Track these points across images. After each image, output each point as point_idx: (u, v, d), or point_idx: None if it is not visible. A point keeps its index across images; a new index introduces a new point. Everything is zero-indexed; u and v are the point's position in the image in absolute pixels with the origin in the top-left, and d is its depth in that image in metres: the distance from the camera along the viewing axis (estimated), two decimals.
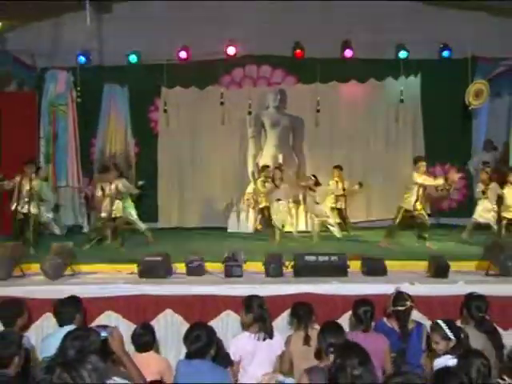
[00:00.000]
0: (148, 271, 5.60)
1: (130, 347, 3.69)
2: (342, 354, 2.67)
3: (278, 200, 8.56)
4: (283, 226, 8.63)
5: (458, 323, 4.08)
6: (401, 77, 10.60)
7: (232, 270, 5.65)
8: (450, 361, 3.14)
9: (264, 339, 3.91)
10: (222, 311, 5.09)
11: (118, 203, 8.06)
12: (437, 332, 3.57)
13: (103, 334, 3.02)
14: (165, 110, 10.59)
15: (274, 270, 5.63)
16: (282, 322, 4.89)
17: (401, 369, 3.74)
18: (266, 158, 10.72)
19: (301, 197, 9.39)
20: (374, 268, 5.73)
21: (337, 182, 9.47)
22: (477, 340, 3.62)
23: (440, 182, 7.81)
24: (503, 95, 10.62)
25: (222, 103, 10.36)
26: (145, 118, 11.09)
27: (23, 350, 3.19)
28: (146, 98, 10.97)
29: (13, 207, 7.84)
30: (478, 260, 6.08)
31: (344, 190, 9.46)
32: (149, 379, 3.37)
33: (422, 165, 7.75)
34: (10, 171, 7.97)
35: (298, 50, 10.29)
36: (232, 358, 3.90)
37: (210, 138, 11.02)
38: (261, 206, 9.34)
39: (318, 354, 3.39)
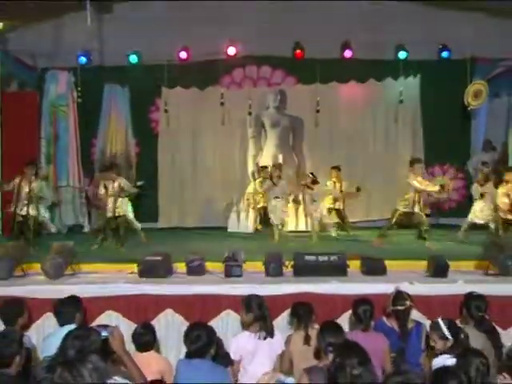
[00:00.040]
0: (148, 271, 5.61)
1: (130, 347, 3.70)
2: (341, 354, 2.68)
3: (276, 198, 8.56)
4: (282, 225, 8.63)
5: (458, 323, 4.09)
6: (400, 77, 10.63)
7: (232, 270, 5.66)
8: (448, 360, 3.15)
9: (265, 338, 3.93)
10: (222, 311, 5.10)
11: (120, 201, 8.07)
12: (435, 331, 3.59)
13: (104, 333, 3.03)
14: (165, 110, 10.61)
15: (273, 270, 5.65)
16: (281, 322, 4.90)
17: (400, 368, 3.74)
18: (266, 159, 10.73)
19: (301, 197, 9.39)
20: (374, 268, 5.74)
21: (334, 182, 9.45)
22: (476, 339, 3.63)
23: (434, 189, 7.66)
24: (502, 96, 10.65)
25: (222, 103, 10.38)
26: (145, 118, 11.09)
27: (24, 349, 3.20)
28: (147, 99, 10.97)
29: (12, 209, 7.84)
30: (477, 260, 6.08)
31: (341, 191, 9.43)
32: (149, 379, 3.38)
33: (419, 167, 7.71)
34: (10, 171, 7.98)
35: (298, 51, 10.32)
36: (232, 357, 3.92)
37: (211, 139, 11.05)
38: (259, 206, 9.34)
39: (318, 354, 3.40)
